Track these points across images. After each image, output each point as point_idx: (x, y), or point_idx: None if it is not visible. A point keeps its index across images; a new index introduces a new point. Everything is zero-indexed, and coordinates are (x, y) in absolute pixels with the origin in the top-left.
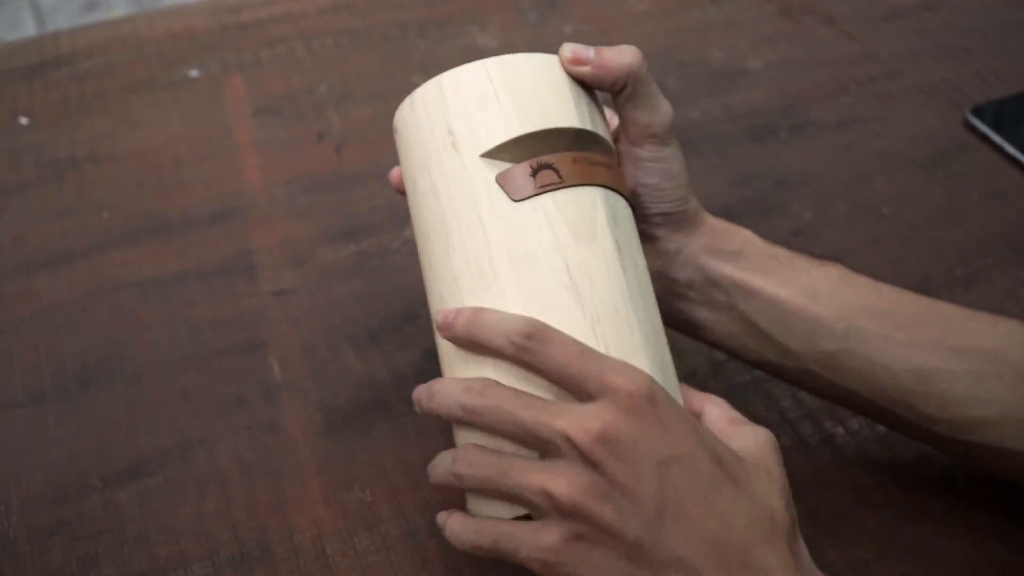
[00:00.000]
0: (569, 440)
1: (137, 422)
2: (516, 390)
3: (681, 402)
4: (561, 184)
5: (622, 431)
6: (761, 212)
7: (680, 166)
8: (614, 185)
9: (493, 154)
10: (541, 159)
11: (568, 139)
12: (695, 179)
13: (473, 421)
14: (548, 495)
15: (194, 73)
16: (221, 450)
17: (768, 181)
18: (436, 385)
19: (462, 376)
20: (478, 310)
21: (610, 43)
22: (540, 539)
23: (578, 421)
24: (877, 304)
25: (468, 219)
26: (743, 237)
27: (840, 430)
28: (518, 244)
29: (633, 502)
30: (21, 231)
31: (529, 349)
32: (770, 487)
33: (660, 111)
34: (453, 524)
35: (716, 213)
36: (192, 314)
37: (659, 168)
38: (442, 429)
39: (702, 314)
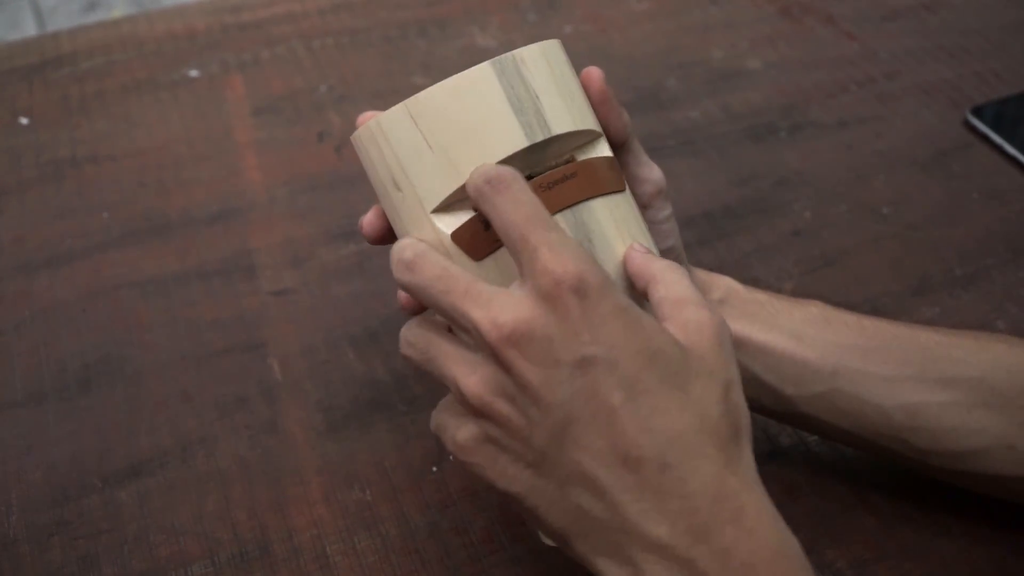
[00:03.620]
0: (481, 336)
1: (137, 422)
2: (446, 265)
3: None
4: None
5: (537, 328)
6: (761, 212)
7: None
8: (579, 196)
9: (443, 207)
10: None
11: (519, 161)
12: (695, 179)
13: (412, 296)
14: (460, 392)
15: (194, 73)
16: (221, 450)
17: (768, 181)
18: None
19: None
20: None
21: (610, 43)
22: (457, 433)
23: (493, 314)
24: (860, 341)
25: None
26: (726, 285)
27: None
28: None
29: (540, 409)
30: (21, 231)
31: (483, 195)
32: (708, 388)
33: (654, 167)
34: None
35: (716, 213)
36: (192, 314)
37: (669, 229)
38: None
39: None
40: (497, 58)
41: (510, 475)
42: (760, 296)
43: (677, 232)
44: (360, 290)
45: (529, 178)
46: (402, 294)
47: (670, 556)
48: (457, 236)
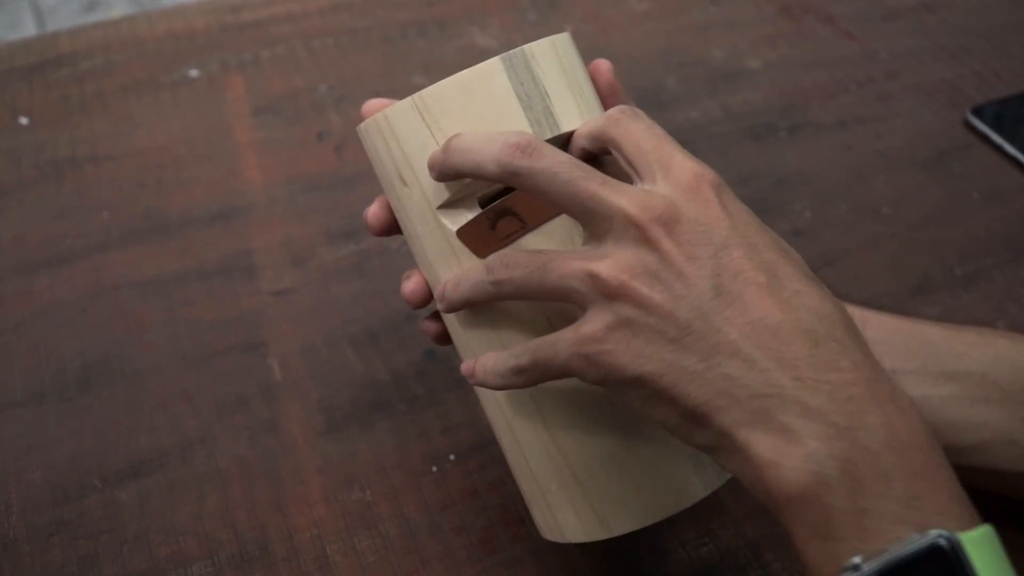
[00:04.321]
0: (628, 217)
1: (137, 422)
2: (574, 159)
3: None
4: (525, 229)
5: (684, 212)
6: (761, 212)
7: None
8: None
9: (449, 203)
10: (497, 205)
11: None
12: None
13: (521, 185)
14: (593, 277)
15: (194, 73)
16: (221, 450)
17: (768, 181)
18: (459, 142)
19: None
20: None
21: (610, 43)
22: (580, 330)
23: (641, 199)
24: (864, 334)
25: (447, 266)
26: None
27: None
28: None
29: (685, 283)
30: (21, 231)
31: (620, 120)
32: (832, 296)
33: None
34: (484, 362)
35: None
36: (192, 314)
37: None
38: (443, 429)
39: None
40: (507, 53)
41: (647, 354)
42: None
43: None
44: (360, 290)
45: None
46: (407, 285)
47: (828, 423)
48: (463, 233)
